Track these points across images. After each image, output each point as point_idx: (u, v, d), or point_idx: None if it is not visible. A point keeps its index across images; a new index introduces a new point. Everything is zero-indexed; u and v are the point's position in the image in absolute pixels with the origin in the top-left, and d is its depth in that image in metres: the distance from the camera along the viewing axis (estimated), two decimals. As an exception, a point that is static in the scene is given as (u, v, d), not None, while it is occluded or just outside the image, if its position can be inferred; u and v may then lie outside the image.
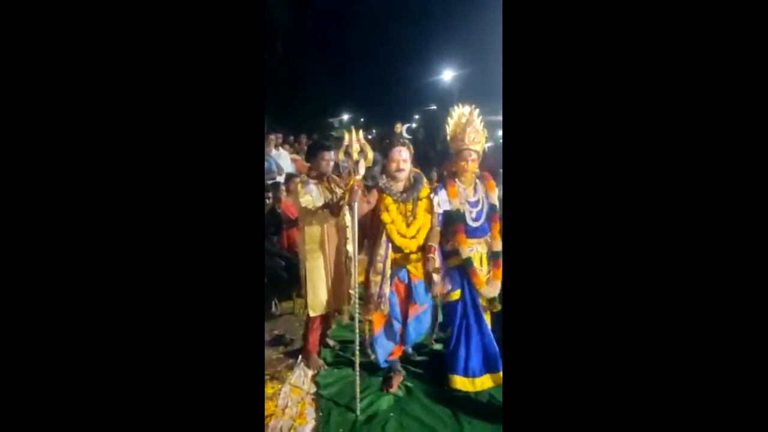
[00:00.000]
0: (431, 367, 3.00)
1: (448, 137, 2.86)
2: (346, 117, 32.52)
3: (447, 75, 22.14)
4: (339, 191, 2.92)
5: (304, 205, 2.79)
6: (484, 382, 2.73)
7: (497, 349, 2.73)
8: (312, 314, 2.98)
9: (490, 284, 2.73)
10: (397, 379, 2.85)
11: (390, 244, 2.70)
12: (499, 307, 2.77)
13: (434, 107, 22.20)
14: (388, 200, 2.69)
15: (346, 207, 2.61)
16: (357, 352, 2.62)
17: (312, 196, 2.83)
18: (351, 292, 2.87)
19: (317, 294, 2.96)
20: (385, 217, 2.68)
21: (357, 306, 2.64)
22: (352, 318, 2.77)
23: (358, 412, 2.54)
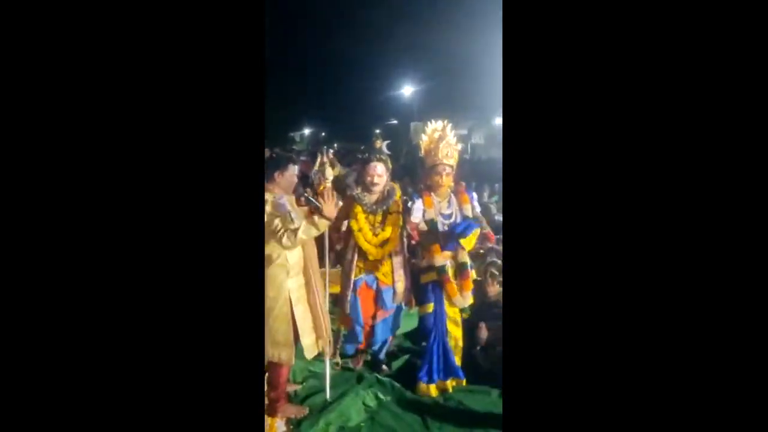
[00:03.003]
0: (401, 378, 3.03)
1: (422, 152, 2.94)
2: (307, 131, 32.49)
3: (407, 90, 22.50)
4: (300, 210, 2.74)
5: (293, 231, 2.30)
6: (445, 387, 2.87)
7: (453, 357, 2.89)
8: (309, 357, 2.58)
9: (463, 296, 2.85)
10: (362, 357, 3.09)
11: (356, 251, 2.88)
12: (467, 315, 2.93)
13: (395, 122, 22.50)
14: (358, 209, 2.85)
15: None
16: (327, 361, 2.70)
17: (292, 216, 2.40)
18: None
19: (307, 333, 2.51)
20: (353, 224, 2.86)
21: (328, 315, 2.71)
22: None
23: (329, 422, 2.55)
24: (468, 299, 2.87)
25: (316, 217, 2.33)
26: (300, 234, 2.28)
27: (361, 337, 3.00)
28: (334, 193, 2.72)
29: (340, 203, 2.80)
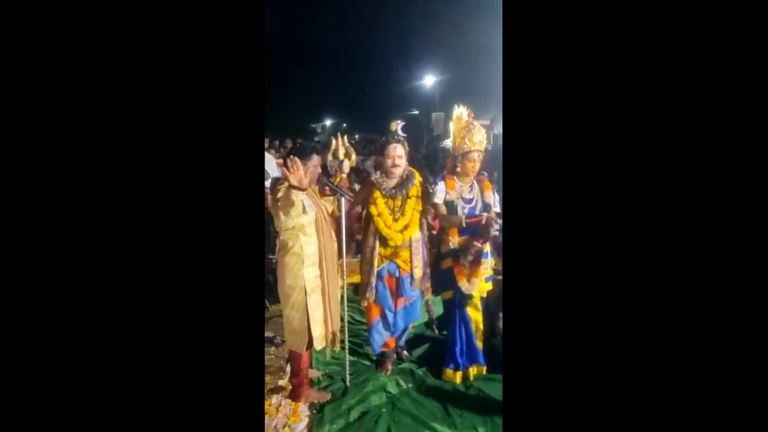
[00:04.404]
0: (422, 364, 3.08)
1: (451, 140, 2.96)
2: (328, 122, 32.53)
3: (428, 80, 22.29)
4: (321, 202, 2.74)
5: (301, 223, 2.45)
6: (467, 374, 2.92)
7: (476, 343, 2.93)
8: (318, 348, 2.58)
9: (470, 282, 2.85)
10: (391, 362, 3.04)
11: (377, 237, 2.86)
12: (472, 302, 2.92)
13: (416, 112, 22.35)
14: (377, 194, 2.84)
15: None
16: (347, 347, 2.77)
17: (307, 213, 2.49)
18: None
19: (318, 324, 2.54)
20: (373, 209, 2.85)
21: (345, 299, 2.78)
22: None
23: (351, 407, 2.61)
24: (474, 286, 2.85)
25: (291, 191, 2.30)
26: (278, 205, 2.33)
27: (393, 325, 2.96)
28: (351, 185, 2.77)
29: (356, 187, 2.81)
